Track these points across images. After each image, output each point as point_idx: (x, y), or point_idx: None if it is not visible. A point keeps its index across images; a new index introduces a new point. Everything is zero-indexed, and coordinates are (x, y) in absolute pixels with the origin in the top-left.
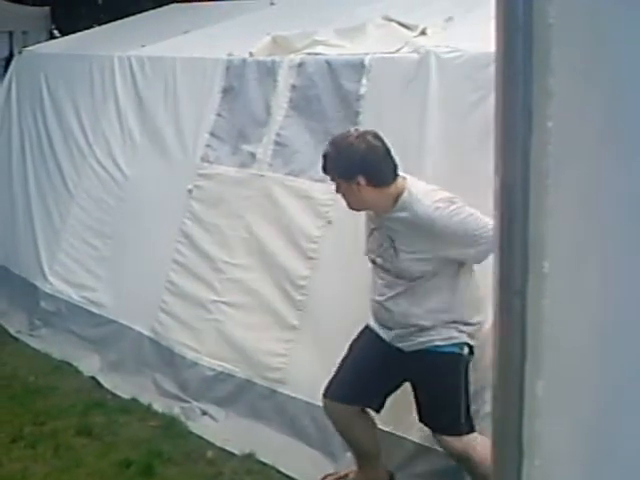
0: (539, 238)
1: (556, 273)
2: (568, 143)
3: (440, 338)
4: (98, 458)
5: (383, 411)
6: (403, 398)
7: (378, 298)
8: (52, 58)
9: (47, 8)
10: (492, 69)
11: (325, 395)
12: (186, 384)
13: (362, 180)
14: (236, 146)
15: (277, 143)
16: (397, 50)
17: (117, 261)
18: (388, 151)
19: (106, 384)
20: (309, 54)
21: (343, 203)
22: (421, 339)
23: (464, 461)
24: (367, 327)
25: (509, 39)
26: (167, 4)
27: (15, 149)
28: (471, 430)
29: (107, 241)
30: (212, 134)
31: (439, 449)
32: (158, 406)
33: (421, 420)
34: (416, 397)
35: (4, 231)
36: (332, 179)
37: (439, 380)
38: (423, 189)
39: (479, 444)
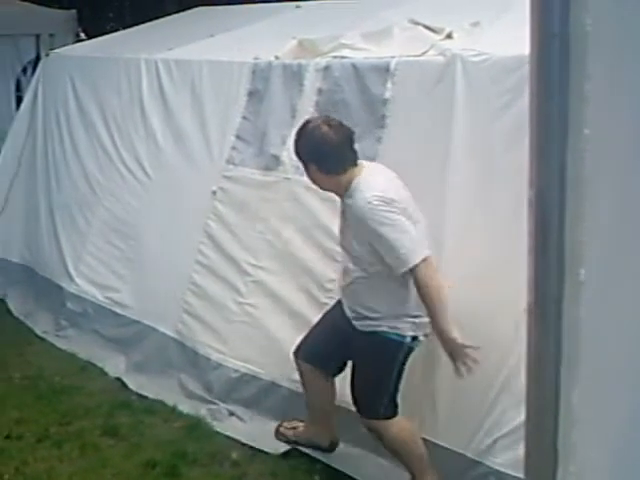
0: (576, 245)
1: (592, 281)
2: (604, 149)
3: (388, 326)
4: (124, 458)
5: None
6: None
7: (342, 282)
8: (79, 60)
9: (74, 11)
10: (519, 73)
11: (295, 354)
12: (211, 385)
13: (313, 166)
14: (261, 149)
15: None
16: (422, 53)
17: (141, 262)
18: (343, 142)
19: (131, 385)
20: (335, 57)
21: None
22: (371, 322)
23: (381, 438)
24: (339, 300)
25: (545, 45)
26: (191, 7)
27: (39, 152)
28: (393, 415)
29: (131, 242)
30: (238, 137)
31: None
32: (183, 407)
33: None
34: (353, 375)
35: (29, 233)
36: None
37: (377, 361)
38: (372, 181)
39: (395, 425)
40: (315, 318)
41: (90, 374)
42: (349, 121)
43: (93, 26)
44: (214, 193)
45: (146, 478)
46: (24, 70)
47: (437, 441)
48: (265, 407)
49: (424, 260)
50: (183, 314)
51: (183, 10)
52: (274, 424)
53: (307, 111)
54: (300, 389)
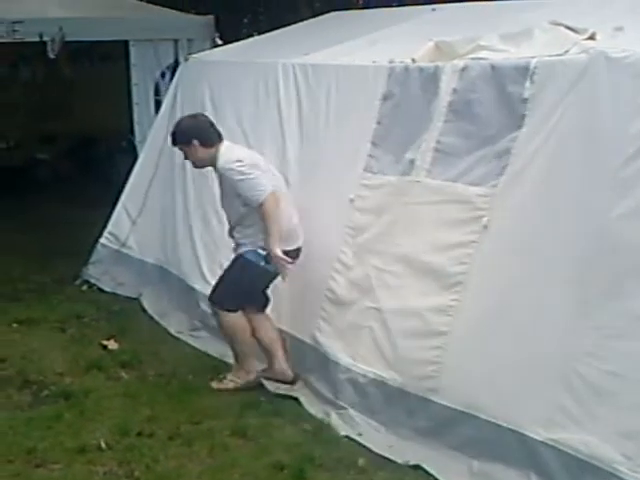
0: None
1: None
2: None
3: (247, 250)
4: (252, 459)
5: None
6: None
7: (229, 232)
8: (217, 65)
9: (211, 16)
10: None
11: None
12: (340, 390)
13: (196, 142)
14: (397, 154)
15: (436, 150)
16: (565, 52)
17: None
18: (211, 123)
19: (269, 387)
20: (473, 59)
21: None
22: (240, 249)
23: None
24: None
25: None
26: (326, 12)
27: (178, 155)
28: (234, 311)
29: None
30: (374, 143)
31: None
32: (312, 410)
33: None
34: None
35: (165, 235)
36: (180, 149)
37: (232, 268)
38: (231, 151)
39: (239, 323)
40: (439, 322)
41: (221, 374)
42: (483, 121)
43: (229, 31)
44: (352, 201)
45: None
46: (162, 75)
47: None
48: (393, 414)
49: (271, 194)
50: (319, 320)
51: (317, 15)
52: (404, 432)
53: (440, 111)
54: (426, 394)
